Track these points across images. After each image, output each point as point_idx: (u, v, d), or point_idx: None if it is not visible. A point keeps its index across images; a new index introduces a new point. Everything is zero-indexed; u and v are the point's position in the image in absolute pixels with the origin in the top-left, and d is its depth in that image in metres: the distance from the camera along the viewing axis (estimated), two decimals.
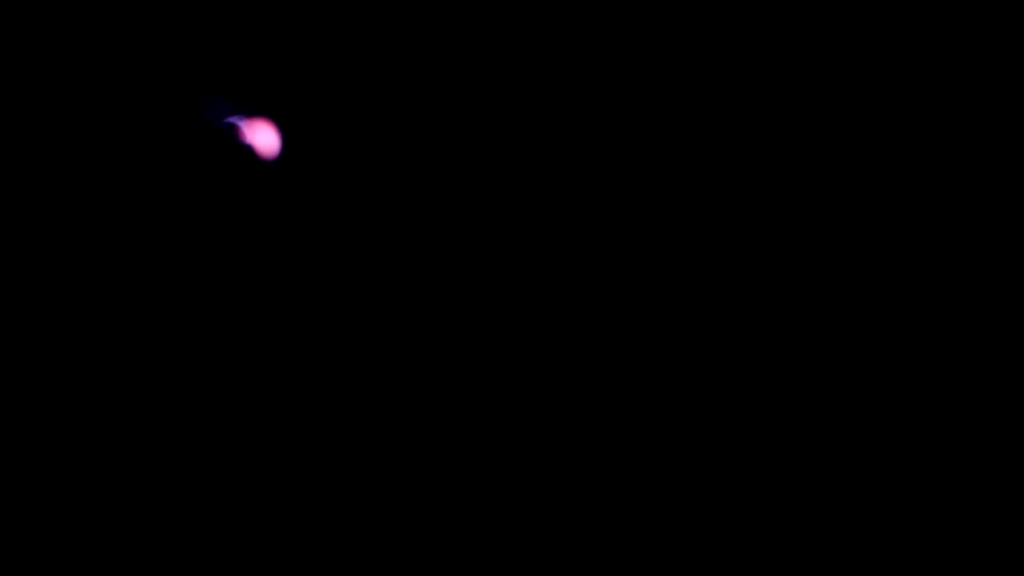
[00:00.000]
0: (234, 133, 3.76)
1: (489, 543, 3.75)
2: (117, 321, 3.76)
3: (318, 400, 3.83)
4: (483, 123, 3.94)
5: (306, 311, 3.85)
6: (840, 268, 3.88)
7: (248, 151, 3.77)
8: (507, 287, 3.90)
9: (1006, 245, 3.85)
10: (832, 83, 3.91)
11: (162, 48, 3.80)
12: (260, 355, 3.82)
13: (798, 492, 3.78)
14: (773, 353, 3.87)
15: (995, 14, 3.85)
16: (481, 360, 3.88)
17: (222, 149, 3.78)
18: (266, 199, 3.85)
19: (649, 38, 3.93)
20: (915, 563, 3.70)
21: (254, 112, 3.79)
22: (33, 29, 3.75)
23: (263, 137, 3.78)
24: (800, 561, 3.73)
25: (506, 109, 3.93)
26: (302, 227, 3.87)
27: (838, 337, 3.86)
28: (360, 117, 3.91)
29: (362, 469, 3.79)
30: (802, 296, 3.88)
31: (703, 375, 3.87)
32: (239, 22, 3.84)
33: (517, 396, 3.85)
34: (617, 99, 3.94)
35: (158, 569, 3.64)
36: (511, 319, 3.89)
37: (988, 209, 3.87)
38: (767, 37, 3.92)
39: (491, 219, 3.92)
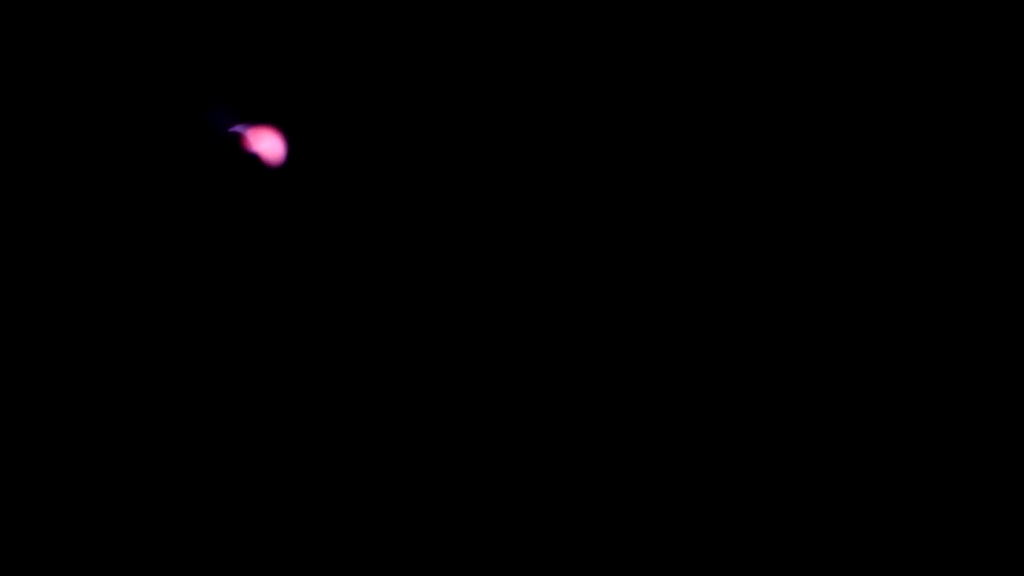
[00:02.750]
0: (239, 141, 3.76)
1: (489, 543, 3.76)
2: (125, 327, 3.77)
3: (329, 402, 3.84)
4: (487, 126, 3.94)
5: (311, 315, 3.86)
6: (840, 268, 3.89)
7: (253, 159, 3.78)
8: (509, 289, 3.91)
9: (1006, 245, 3.85)
10: (832, 83, 3.92)
11: (167, 56, 3.81)
12: (266, 358, 3.83)
13: (798, 492, 3.80)
14: (773, 353, 3.88)
15: (995, 14, 3.86)
16: (483, 361, 3.89)
17: (227, 157, 3.79)
18: (272, 206, 3.85)
19: (649, 38, 3.94)
20: (915, 563, 3.72)
21: (259, 120, 3.80)
22: (41, 37, 3.76)
23: (268, 145, 3.79)
24: (800, 561, 3.74)
25: (510, 112, 3.94)
26: (307, 233, 3.88)
27: (838, 337, 3.87)
28: (364, 123, 3.91)
29: (362, 469, 3.80)
30: (802, 296, 3.89)
31: (703, 375, 3.87)
32: (244, 30, 3.85)
33: (517, 396, 3.86)
34: (617, 99, 3.94)
35: (158, 569, 3.65)
36: (513, 321, 3.90)
37: (988, 209, 3.88)
38: (767, 37, 3.93)
39: (494, 223, 3.93)
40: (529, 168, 3.94)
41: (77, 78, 3.77)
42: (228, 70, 3.84)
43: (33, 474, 3.67)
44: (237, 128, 3.77)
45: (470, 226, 3.92)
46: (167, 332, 3.78)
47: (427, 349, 3.88)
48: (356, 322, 3.87)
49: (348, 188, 3.91)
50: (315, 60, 3.89)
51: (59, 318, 3.74)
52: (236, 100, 3.82)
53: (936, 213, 3.88)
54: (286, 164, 3.82)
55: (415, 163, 3.93)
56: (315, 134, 3.88)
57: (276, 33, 3.87)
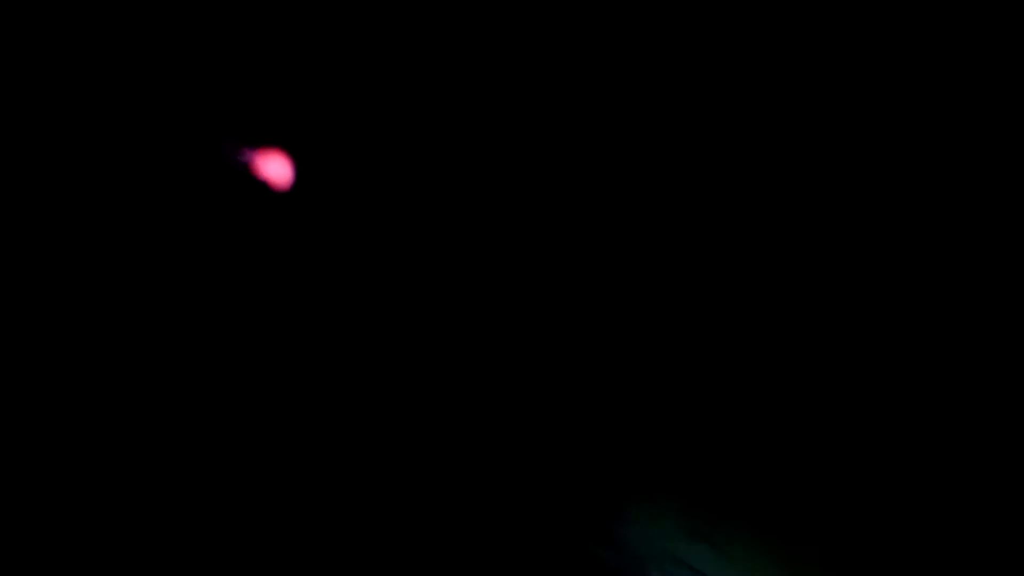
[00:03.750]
0: (248, 166, 3.80)
1: (488, 543, 3.79)
2: (132, 345, 3.80)
3: (333, 407, 3.88)
4: (492, 143, 3.96)
5: (319, 335, 3.89)
6: (841, 268, 3.92)
7: (261, 183, 3.81)
8: (511, 297, 3.94)
9: (1006, 245, 3.87)
10: (832, 83, 3.94)
11: (178, 78, 3.84)
12: (272, 377, 3.86)
13: (798, 492, 3.83)
14: (773, 353, 3.91)
15: (995, 14, 3.87)
16: (484, 364, 3.92)
17: (236, 181, 3.82)
18: (279, 229, 3.89)
19: (649, 38, 3.96)
20: (915, 563, 3.75)
21: (267, 145, 3.83)
22: (50, 54, 3.79)
23: (276, 169, 3.82)
24: (801, 561, 3.78)
25: (516, 123, 3.96)
26: (314, 255, 3.91)
27: (838, 337, 3.90)
28: (370, 147, 3.94)
29: (363, 469, 3.84)
30: (802, 296, 3.92)
31: (703, 375, 3.91)
32: (253, 52, 3.87)
33: (519, 397, 3.90)
34: (617, 99, 3.96)
35: (158, 569, 3.69)
36: (516, 327, 3.93)
37: (988, 209, 3.89)
38: (767, 37, 3.95)
39: (499, 241, 3.96)
40: (538, 180, 3.97)
41: (87, 99, 3.80)
42: (237, 95, 3.87)
43: (33, 474, 3.70)
44: (245, 153, 3.80)
45: (475, 251, 3.95)
46: (176, 351, 3.81)
47: (428, 367, 3.91)
48: (361, 344, 3.91)
49: (354, 212, 3.94)
50: (322, 85, 3.91)
51: (63, 331, 3.78)
52: (244, 126, 3.85)
53: (936, 213, 3.90)
54: (293, 188, 3.85)
55: (421, 187, 3.96)
56: (322, 158, 3.91)
57: (285, 57, 3.89)
